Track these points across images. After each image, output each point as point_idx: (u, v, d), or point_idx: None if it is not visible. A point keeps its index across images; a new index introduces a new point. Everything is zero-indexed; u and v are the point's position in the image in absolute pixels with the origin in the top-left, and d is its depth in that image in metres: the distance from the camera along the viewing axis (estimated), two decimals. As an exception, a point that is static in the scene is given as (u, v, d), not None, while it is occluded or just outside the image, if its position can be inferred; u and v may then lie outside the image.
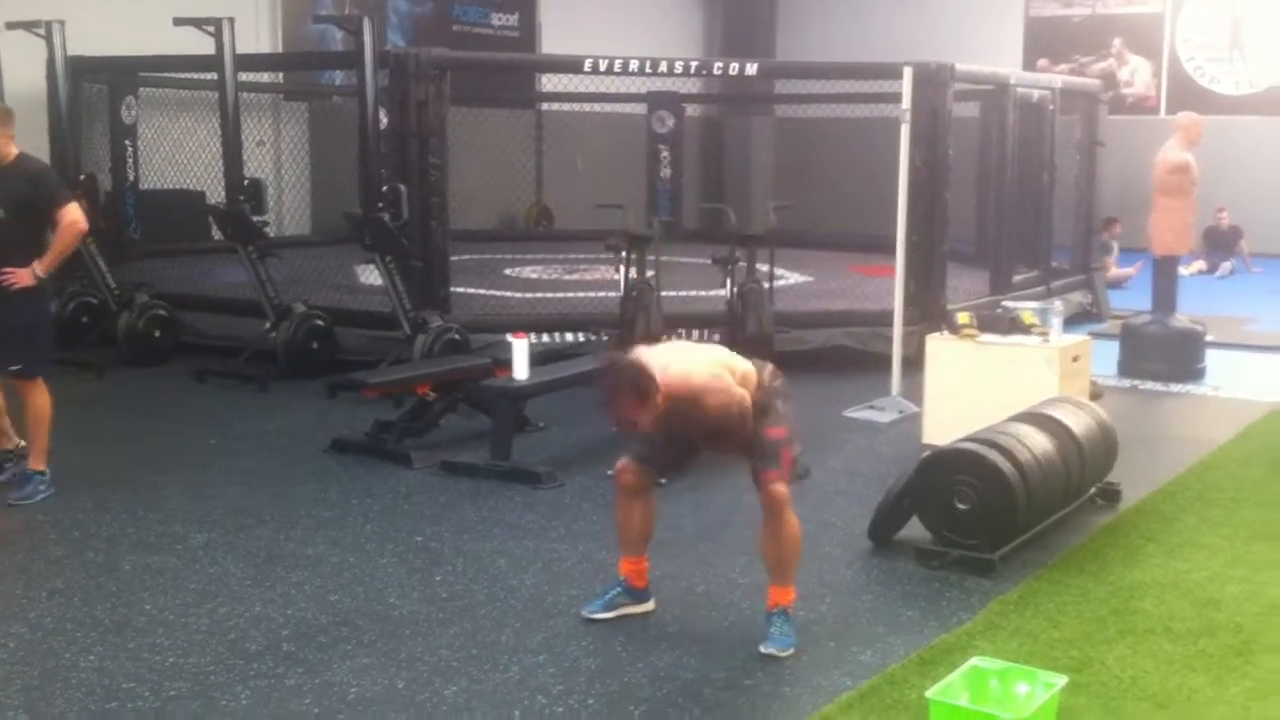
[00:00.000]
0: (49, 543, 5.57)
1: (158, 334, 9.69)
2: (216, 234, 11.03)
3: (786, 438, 4.60)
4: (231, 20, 9.47)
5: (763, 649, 4.49)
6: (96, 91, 12.38)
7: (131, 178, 12.56)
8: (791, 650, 4.49)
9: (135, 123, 12.69)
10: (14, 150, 6.16)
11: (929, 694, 3.70)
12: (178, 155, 12.99)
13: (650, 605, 4.87)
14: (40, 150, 10.81)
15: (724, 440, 4.53)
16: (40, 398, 6.23)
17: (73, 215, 6.16)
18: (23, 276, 6.08)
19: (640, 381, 4.23)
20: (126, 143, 12.61)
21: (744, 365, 4.57)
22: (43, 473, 6.24)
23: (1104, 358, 9.25)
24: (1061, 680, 3.79)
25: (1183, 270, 11.48)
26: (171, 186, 13.04)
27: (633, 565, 4.85)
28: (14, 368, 6.20)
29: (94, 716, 3.92)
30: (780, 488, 4.55)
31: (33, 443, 6.28)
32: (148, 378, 9.27)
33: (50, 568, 5.27)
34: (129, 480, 6.60)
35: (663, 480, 6.40)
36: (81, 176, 10.31)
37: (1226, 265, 16.15)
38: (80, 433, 7.63)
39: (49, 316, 6.70)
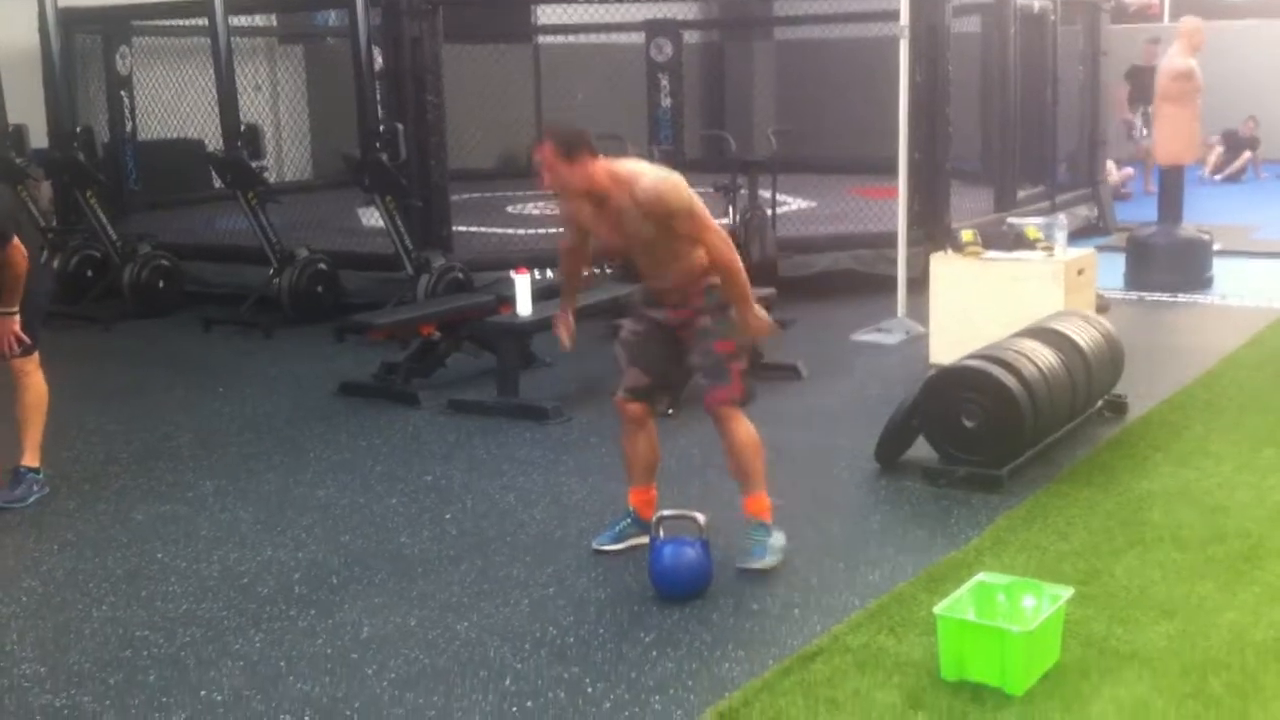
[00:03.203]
0: (59, 496, 5.59)
1: (162, 285, 9.70)
2: (218, 182, 11.01)
3: (735, 352, 4.60)
4: (221, -37, 9.37)
5: (741, 565, 4.53)
6: (91, 42, 12.31)
7: (129, 129, 12.52)
8: (770, 562, 4.54)
9: (131, 73, 12.62)
10: None
11: (936, 610, 3.71)
12: (176, 104, 12.92)
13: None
14: (36, 104, 10.78)
15: (668, 242, 4.43)
16: (39, 381, 5.58)
17: (12, 257, 5.23)
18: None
19: (571, 134, 4.39)
20: (123, 94, 12.56)
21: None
22: (36, 469, 5.58)
23: (1111, 270, 9.22)
24: (1068, 592, 3.80)
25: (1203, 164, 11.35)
26: (170, 136, 12.99)
27: (641, 495, 4.87)
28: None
29: (109, 666, 3.96)
30: (725, 407, 4.59)
31: (25, 435, 5.57)
32: (153, 329, 9.28)
33: (61, 520, 5.31)
34: (138, 431, 6.63)
35: (669, 411, 6.46)
36: (78, 129, 10.28)
37: (1246, 154, 15.94)
38: (88, 386, 7.67)
39: (40, 292, 5.74)
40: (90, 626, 4.25)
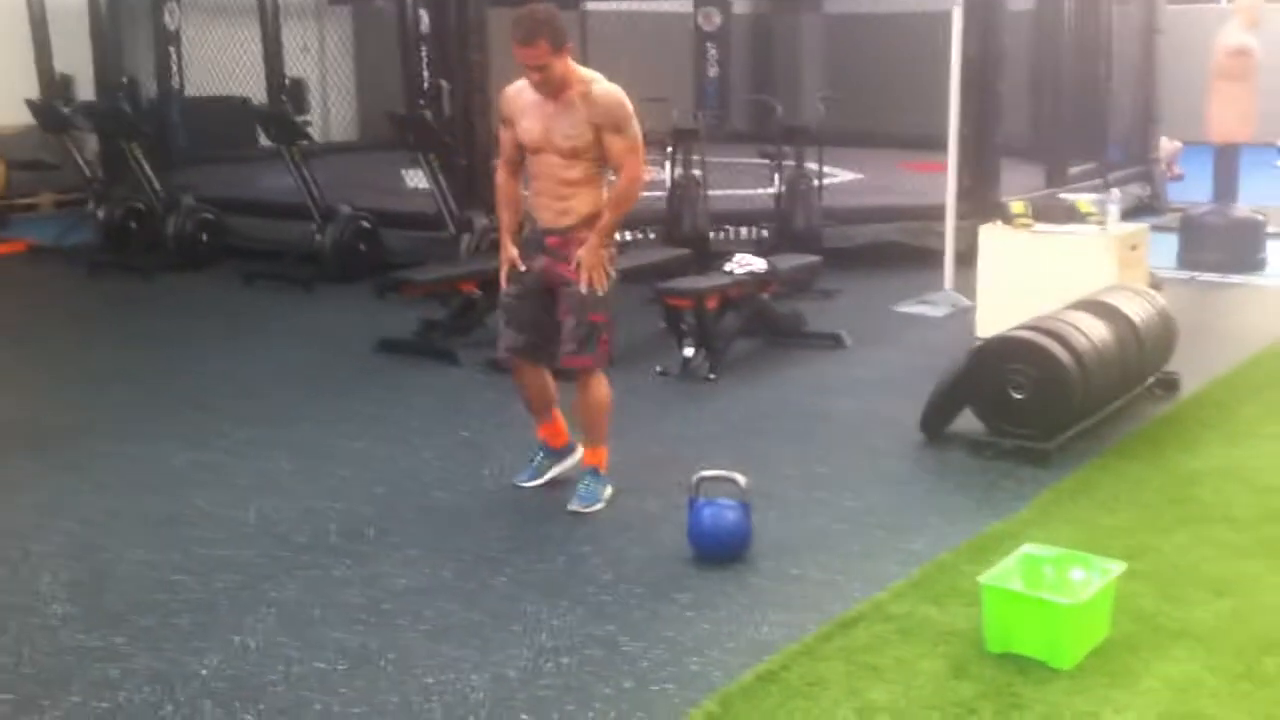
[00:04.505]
0: (97, 441, 5.60)
1: (204, 237, 9.69)
2: (263, 139, 10.99)
3: (608, 322, 4.69)
4: (269, -84, 9.33)
5: (570, 507, 4.67)
6: (140, -2, 12.32)
7: (176, 84, 12.53)
8: (598, 505, 4.68)
9: (179, 29, 12.62)
10: None
11: (982, 579, 3.63)
12: (222, 61, 12.92)
13: (579, 454, 4.96)
14: (83, 56, 10.80)
15: (594, 150, 4.50)
16: None
17: None
18: None
19: (560, 21, 4.38)
20: (170, 49, 12.57)
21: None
22: None
23: (1163, 250, 9.05)
24: (1119, 566, 3.71)
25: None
26: (216, 93, 12.99)
27: (548, 429, 4.98)
28: None
29: (142, 608, 3.93)
30: (583, 363, 4.67)
31: None
32: (195, 281, 9.29)
33: (99, 464, 5.30)
34: (178, 379, 6.63)
35: (711, 375, 6.41)
36: (124, 80, 10.28)
37: None
38: (129, 334, 7.70)
39: None
40: (125, 569, 4.23)
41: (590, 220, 4.58)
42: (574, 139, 4.47)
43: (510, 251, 4.73)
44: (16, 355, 7.37)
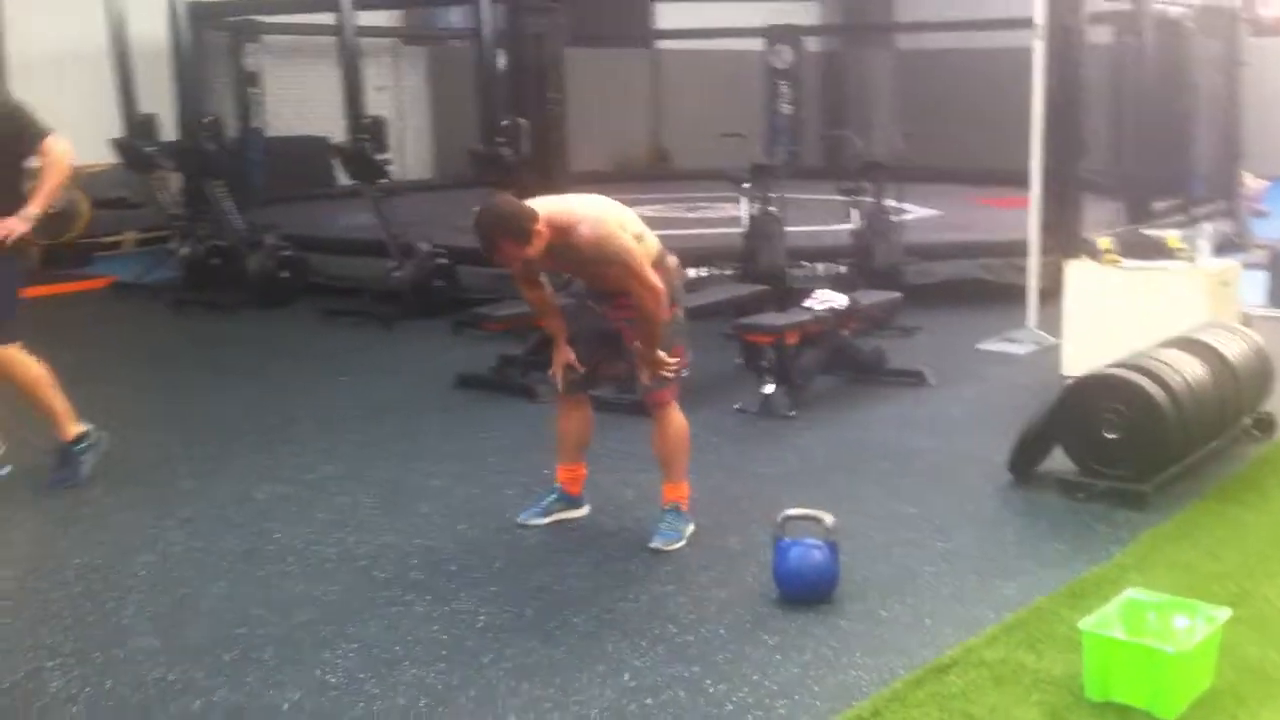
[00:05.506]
0: (178, 475, 5.61)
1: (285, 275, 9.76)
2: (341, 178, 11.10)
3: (683, 357, 4.69)
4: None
5: (652, 544, 4.61)
6: (219, 39, 12.52)
7: (256, 124, 12.71)
8: (680, 543, 4.63)
9: (258, 70, 12.82)
10: None
11: (1082, 626, 3.51)
12: (300, 101, 13.10)
13: (584, 510, 4.97)
14: (167, 97, 10.95)
15: (604, 277, 4.53)
16: (18, 368, 5.23)
17: (60, 147, 5.12)
18: (14, 225, 5.04)
19: (516, 217, 4.34)
20: (250, 90, 12.76)
21: (643, 228, 4.61)
22: (78, 441, 5.40)
23: (1250, 287, 8.83)
24: (1225, 613, 3.57)
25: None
26: (294, 133, 13.16)
27: (569, 472, 4.96)
28: None
29: (224, 642, 3.90)
30: (662, 398, 4.69)
31: (47, 414, 5.34)
32: (276, 318, 9.37)
33: (180, 498, 5.31)
34: (259, 414, 6.65)
35: (792, 412, 6.33)
36: (207, 119, 10.42)
37: None
38: (211, 370, 7.75)
39: (15, 276, 5.29)
40: (207, 603, 4.22)
41: None
42: (582, 266, 4.60)
43: (566, 354, 4.77)
44: (103, 391, 7.38)
